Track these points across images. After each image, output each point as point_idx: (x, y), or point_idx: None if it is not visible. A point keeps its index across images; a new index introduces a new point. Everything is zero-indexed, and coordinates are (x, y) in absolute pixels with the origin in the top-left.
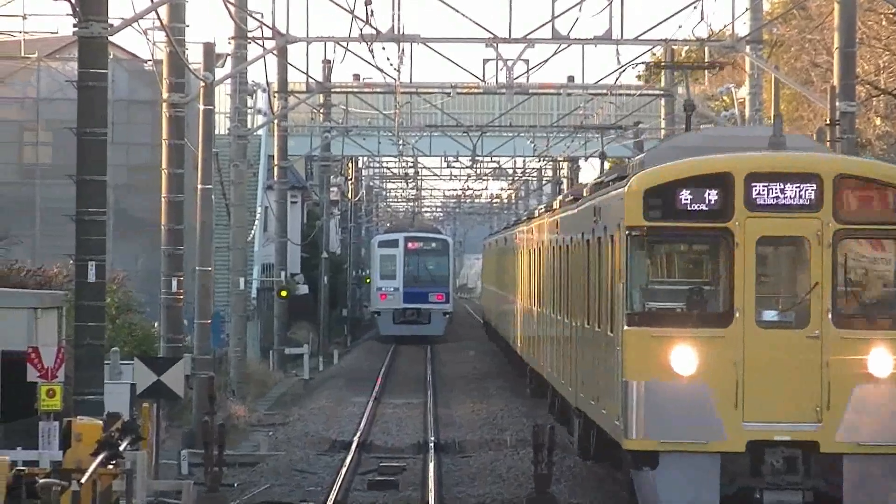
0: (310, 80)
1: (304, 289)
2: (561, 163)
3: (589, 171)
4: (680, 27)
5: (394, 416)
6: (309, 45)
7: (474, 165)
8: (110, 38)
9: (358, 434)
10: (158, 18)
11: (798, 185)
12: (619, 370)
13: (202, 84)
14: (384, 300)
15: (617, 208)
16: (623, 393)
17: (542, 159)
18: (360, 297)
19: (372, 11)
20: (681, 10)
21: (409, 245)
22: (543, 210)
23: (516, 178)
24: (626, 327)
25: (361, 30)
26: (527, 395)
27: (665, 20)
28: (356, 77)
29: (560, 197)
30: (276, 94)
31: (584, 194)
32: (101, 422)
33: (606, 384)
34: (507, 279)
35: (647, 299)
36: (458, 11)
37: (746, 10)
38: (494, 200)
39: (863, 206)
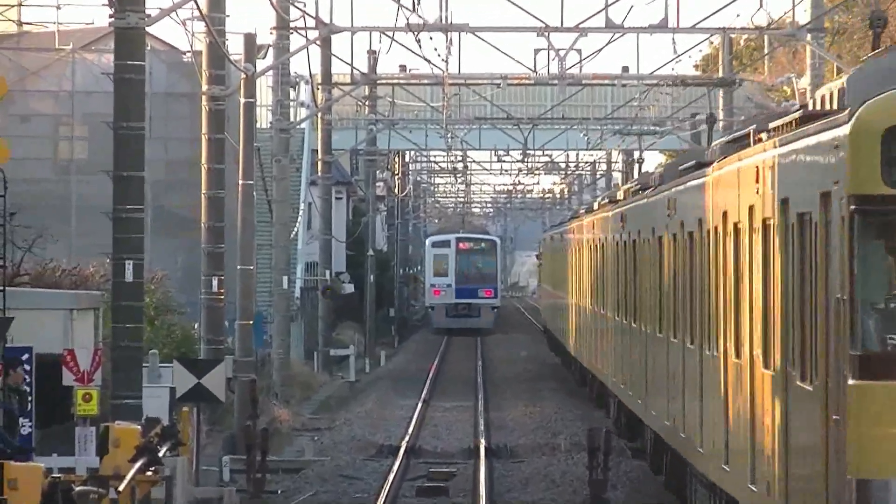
0: (354, 71)
1: (349, 288)
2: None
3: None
4: (738, 15)
5: (443, 419)
6: (353, 35)
7: (525, 159)
8: (147, 29)
9: (406, 438)
10: (198, 8)
11: None
12: (831, 453)
13: (243, 76)
14: (437, 296)
15: (811, 168)
16: (847, 497)
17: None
18: (408, 296)
19: (419, 0)
20: None
21: (460, 245)
22: (606, 202)
23: (569, 173)
24: (856, 380)
25: (408, 19)
26: (581, 396)
27: (722, 8)
28: (402, 68)
29: (627, 185)
30: (319, 86)
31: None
32: (139, 427)
33: (704, 416)
34: (581, 279)
35: (889, 328)
36: None
37: None
38: (546, 196)
39: None
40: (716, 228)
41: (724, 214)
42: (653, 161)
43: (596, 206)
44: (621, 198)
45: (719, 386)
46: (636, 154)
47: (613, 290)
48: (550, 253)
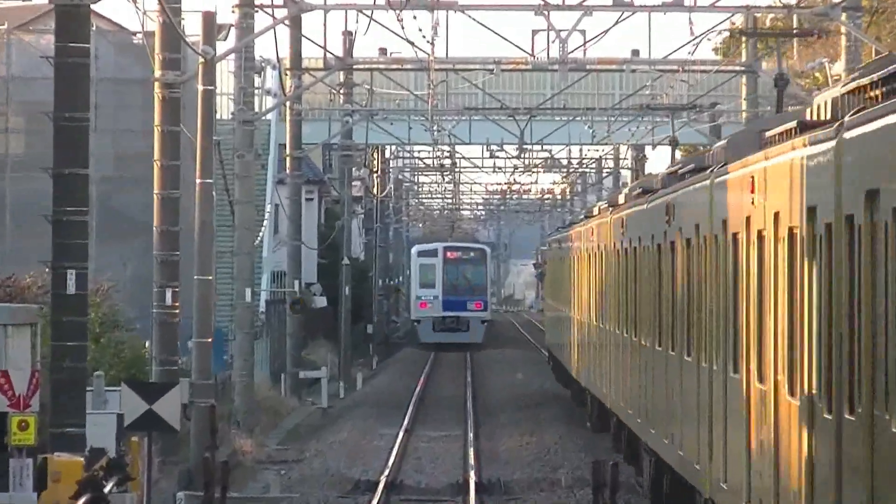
0: (328, 55)
1: (321, 301)
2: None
3: (656, 161)
4: None
5: (428, 450)
6: (327, 14)
7: (522, 155)
8: (93, 7)
9: (386, 472)
10: None
11: None
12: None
13: (201, 60)
14: (424, 308)
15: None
16: None
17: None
18: (388, 310)
19: None
20: None
21: (448, 255)
22: (607, 205)
23: (571, 171)
24: None
25: None
26: (585, 425)
27: None
28: (382, 51)
29: (626, 191)
30: (288, 72)
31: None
32: (82, 459)
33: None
34: (590, 291)
35: None
36: None
37: None
38: (545, 197)
39: None
40: (735, 235)
41: (748, 220)
42: (664, 157)
43: (596, 210)
44: (622, 201)
45: (741, 413)
46: (648, 148)
47: (616, 303)
48: (555, 262)
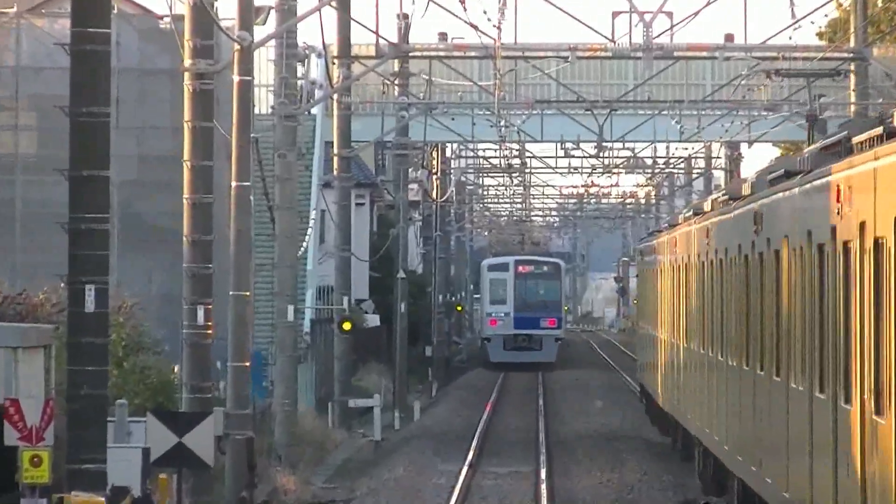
0: (381, 40)
1: (373, 319)
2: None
3: (754, 161)
4: None
5: (495, 489)
6: None
7: (600, 154)
8: None
9: None
10: None
11: None
12: None
13: (237, 47)
14: (494, 326)
15: None
16: None
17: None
18: (449, 329)
19: None
20: None
21: (520, 269)
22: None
23: (657, 171)
24: None
25: None
26: (673, 458)
27: None
28: (442, 37)
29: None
30: (335, 61)
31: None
32: (103, 499)
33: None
34: (672, 307)
35: None
36: None
37: None
38: (628, 201)
39: None
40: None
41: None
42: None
43: (681, 218)
44: (707, 208)
45: (855, 447)
46: (744, 146)
47: (699, 319)
48: (643, 277)
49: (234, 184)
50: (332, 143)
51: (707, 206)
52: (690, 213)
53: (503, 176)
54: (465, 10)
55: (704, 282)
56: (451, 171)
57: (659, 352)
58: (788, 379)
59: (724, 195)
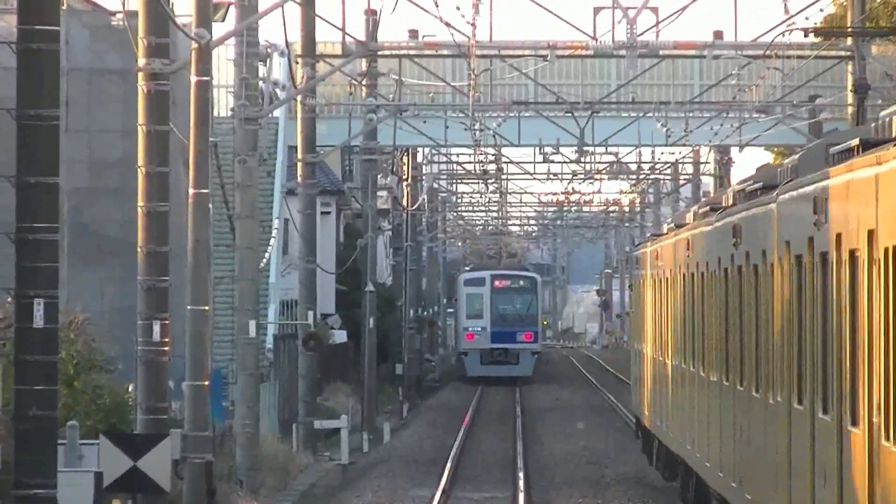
0: (347, 38)
1: (340, 336)
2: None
3: (745, 166)
4: None
5: None
6: None
7: (581, 159)
8: None
9: None
10: None
11: None
12: None
13: (194, 46)
14: (471, 340)
15: None
16: None
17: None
18: (421, 346)
19: None
20: None
21: (496, 283)
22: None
23: (641, 177)
24: None
25: None
26: (657, 485)
27: None
28: (413, 34)
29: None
30: (299, 60)
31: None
32: None
33: None
34: (654, 321)
35: None
36: None
37: None
38: (611, 209)
39: None
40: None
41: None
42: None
43: (665, 229)
44: (689, 220)
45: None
46: (734, 150)
47: (682, 334)
48: (635, 290)
49: (191, 191)
50: (296, 147)
51: (689, 218)
52: (672, 223)
53: (478, 182)
54: (437, 5)
55: (685, 295)
56: (423, 177)
57: (642, 367)
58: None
59: (706, 206)
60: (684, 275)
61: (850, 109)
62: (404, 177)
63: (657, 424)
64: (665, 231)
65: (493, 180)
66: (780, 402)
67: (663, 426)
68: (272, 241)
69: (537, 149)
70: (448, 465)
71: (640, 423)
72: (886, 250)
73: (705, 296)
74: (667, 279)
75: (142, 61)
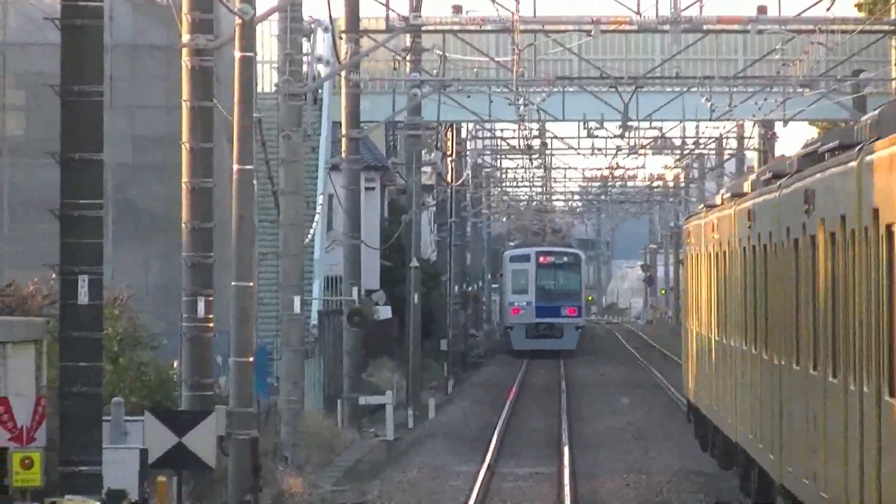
0: (391, 14)
1: (385, 312)
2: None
3: (789, 141)
4: None
5: (515, 492)
6: None
7: (626, 134)
8: None
9: None
10: None
11: None
12: None
13: (238, 21)
14: (516, 315)
15: None
16: None
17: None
18: (466, 322)
19: None
20: None
21: (541, 259)
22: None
23: (686, 152)
24: None
25: None
26: (705, 458)
27: None
28: (457, 9)
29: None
30: (343, 35)
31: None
32: (98, 503)
33: None
34: (710, 299)
35: None
36: None
37: None
38: (655, 184)
39: None
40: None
41: None
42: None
43: (719, 200)
44: (747, 189)
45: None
46: (778, 125)
47: (741, 312)
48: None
49: (235, 167)
50: (340, 123)
51: (747, 187)
52: (729, 193)
53: (522, 158)
54: None
55: (745, 270)
56: (467, 152)
57: (691, 346)
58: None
59: (767, 173)
60: (745, 248)
61: (894, 84)
62: (448, 152)
63: (714, 409)
64: (720, 201)
65: (537, 155)
66: (866, 392)
67: (721, 412)
68: (316, 216)
69: (581, 124)
70: (493, 440)
71: (691, 405)
72: None
73: (771, 270)
74: (725, 252)
75: (185, 37)
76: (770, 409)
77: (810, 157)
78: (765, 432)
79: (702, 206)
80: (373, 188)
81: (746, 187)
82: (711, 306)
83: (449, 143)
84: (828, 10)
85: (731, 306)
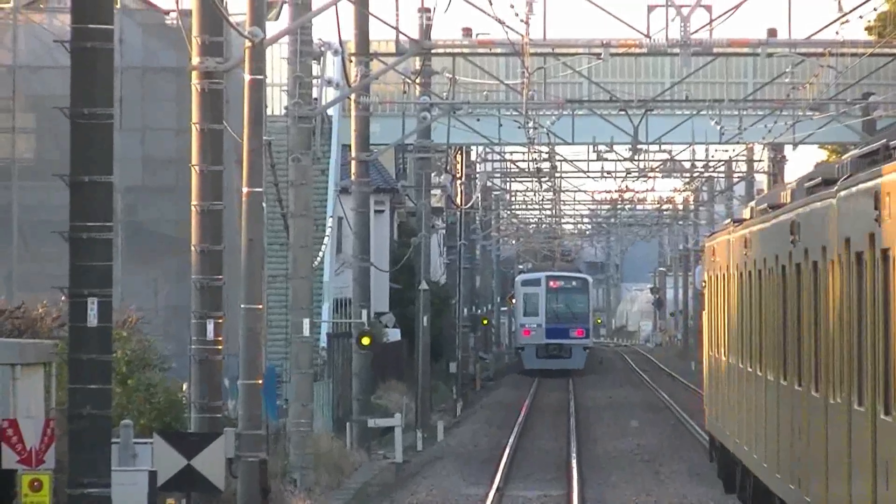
0: (401, 37)
1: (394, 334)
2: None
3: (799, 164)
4: None
5: None
6: None
7: (635, 157)
8: None
9: None
10: None
11: None
12: None
13: (248, 44)
14: (528, 336)
15: None
16: None
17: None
18: (475, 345)
19: None
20: None
21: (551, 284)
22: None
23: (695, 175)
24: None
25: None
26: (712, 481)
27: None
28: (467, 32)
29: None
30: (353, 58)
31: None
32: None
33: None
34: (712, 319)
35: None
36: None
37: None
38: (664, 207)
39: None
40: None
41: None
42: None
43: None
44: (746, 216)
45: None
46: (788, 148)
47: (740, 332)
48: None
49: (245, 189)
50: (350, 145)
51: (746, 214)
52: (730, 220)
53: (532, 181)
54: (490, 3)
55: (744, 293)
56: (477, 175)
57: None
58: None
59: (764, 203)
60: (783, 266)
61: None
62: (458, 175)
63: (744, 450)
64: (749, 215)
65: (546, 178)
66: None
67: (753, 453)
68: (326, 239)
69: (591, 147)
70: (502, 462)
71: (714, 441)
72: None
73: (822, 291)
74: (760, 271)
75: (195, 60)
76: (822, 456)
77: (869, 158)
78: (814, 488)
79: (728, 220)
80: (382, 211)
81: (784, 197)
82: (742, 332)
83: (458, 166)
84: (837, 33)
85: (773, 335)
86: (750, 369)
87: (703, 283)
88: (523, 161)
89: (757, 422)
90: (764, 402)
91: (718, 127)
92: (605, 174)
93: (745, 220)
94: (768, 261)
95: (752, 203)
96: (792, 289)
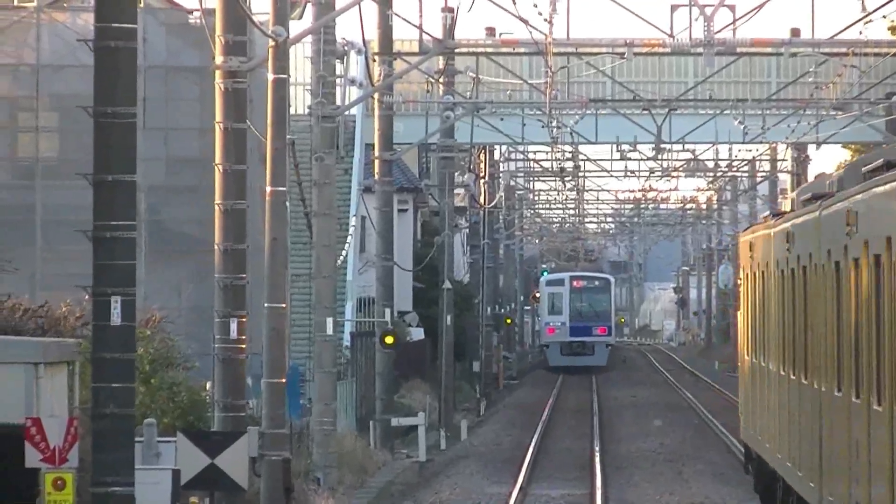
0: (424, 36)
1: (417, 333)
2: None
3: (822, 163)
4: None
5: None
6: None
7: (659, 156)
8: None
9: None
10: None
11: None
12: None
13: (272, 43)
14: (552, 334)
15: None
16: None
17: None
18: (498, 343)
19: None
20: None
21: (574, 284)
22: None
23: (718, 174)
24: None
25: None
26: (738, 480)
27: None
28: (490, 32)
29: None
30: (376, 57)
31: None
32: None
33: None
34: (747, 321)
35: None
36: None
37: None
38: (688, 206)
39: None
40: None
41: None
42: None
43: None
44: (787, 208)
45: None
46: (811, 147)
47: (779, 335)
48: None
49: (268, 189)
50: (373, 145)
51: (787, 206)
52: (769, 214)
53: (555, 180)
54: (514, 3)
55: (783, 291)
56: (500, 174)
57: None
58: None
59: (807, 193)
60: (838, 262)
61: None
62: (481, 174)
63: (787, 467)
64: (790, 208)
65: (570, 178)
66: None
67: (798, 470)
68: (349, 238)
69: (614, 146)
70: (525, 462)
71: (749, 452)
72: None
73: (885, 289)
74: (805, 267)
75: (219, 59)
76: (884, 481)
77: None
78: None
79: (768, 213)
80: (405, 210)
81: (833, 186)
82: (785, 335)
83: (482, 165)
84: (860, 32)
85: (826, 340)
86: (794, 376)
87: (739, 282)
88: (547, 160)
89: (802, 436)
90: (819, 416)
91: (742, 126)
92: (629, 173)
93: (785, 212)
94: (814, 256)
95: (793, 194)
96: (847, 287)
